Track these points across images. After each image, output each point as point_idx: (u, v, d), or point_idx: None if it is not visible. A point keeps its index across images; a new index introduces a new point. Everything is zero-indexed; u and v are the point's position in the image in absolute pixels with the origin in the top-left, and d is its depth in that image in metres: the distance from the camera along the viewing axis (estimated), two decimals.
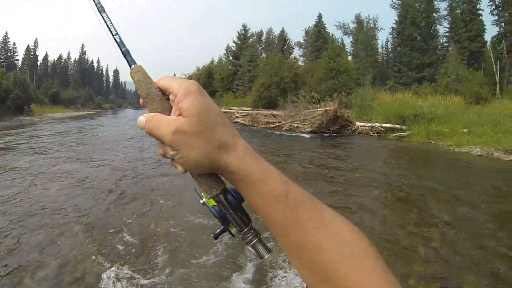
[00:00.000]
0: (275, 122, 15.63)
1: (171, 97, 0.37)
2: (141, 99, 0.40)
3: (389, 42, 32.94)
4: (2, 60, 50.06)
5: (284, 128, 14.53)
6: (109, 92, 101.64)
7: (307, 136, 12.69)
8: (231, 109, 22.21)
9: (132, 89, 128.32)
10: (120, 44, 0.44)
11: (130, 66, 0.44)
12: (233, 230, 0.39)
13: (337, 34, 39.37)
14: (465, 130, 10.82)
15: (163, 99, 0.39)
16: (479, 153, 8.86)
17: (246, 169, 0.34)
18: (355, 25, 34.69)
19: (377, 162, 8.33)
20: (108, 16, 0.45)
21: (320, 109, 13.41)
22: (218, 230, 0.39)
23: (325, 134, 12.69)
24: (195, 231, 4.02)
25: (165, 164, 7.64)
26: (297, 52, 35.08)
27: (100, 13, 0.45)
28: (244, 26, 33.26)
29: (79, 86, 70.57)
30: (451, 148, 9.87)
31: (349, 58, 30.46)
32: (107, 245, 3.68)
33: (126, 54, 0.44)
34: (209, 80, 30.97)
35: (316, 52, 32.02)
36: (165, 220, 4.42)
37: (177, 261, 3.29)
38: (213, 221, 3.99)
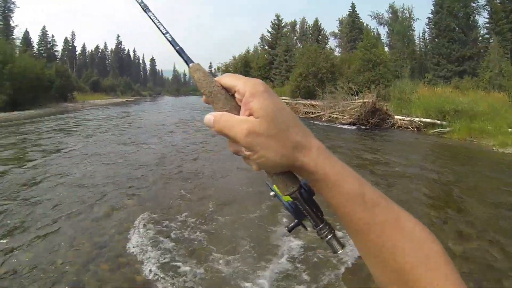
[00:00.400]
0: (314, 112, 16.25)
1: (237, 95, 0.38)
2: (203, 97, 0.42)
3: (426, 33, 31.79)
4: (42, 52, 52.72)
5: (323, 119, 15.14)
6: (147, 80, 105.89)
7: (348, 127, 13.25)
8: None
9: (169, 77, 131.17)
10: (173, 43, 0.47)
11: (187, 64, 0.47)
12: (307, 224, 0.41)
13: (372, 24, 37.87)
14: (509, 129, 10.52)
15: (228, 98, 0.39)
16: None
17: (323, 169, 0.35)
18: (390, 15, 33.62)
19: (417, 157, 8.52)
20: (154, 15, 0.48)
21: (359, 101, 13.85)
22: (292, 224, 0.41)
23: (362, 127, 13.11)
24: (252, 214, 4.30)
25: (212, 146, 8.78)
26: (332, 43, 35.05)
27: (146, 13, 0.48)
28: (278, 16, 33.65)
29: (117, 75, 74.59)
30: (494, 148, 9.58)
31: (386, 49, 30.19)
32: (159, 220, 4.12)
33: (180, 52, 0.47)
34: (246, 69, 31.76)
35: (351, 43, 32.06)
36: (219, 194, 5.03)
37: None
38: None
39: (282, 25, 32.52)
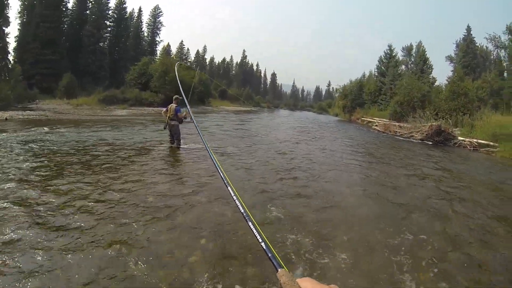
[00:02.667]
0: (400, 132, 22.18)
1: None
2: None
3: None
4: (178, 62, 66.38)
5: (403, 136, 21.04)
6: (266, 92, 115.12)
7: (417, 141, 18.93)
8: (373, 119, 29.45)
9: (287, 91, 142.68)
10: (267, 250, 0.55)
11: (276, 269, 0.55)
12: None
13: (489, 47, 37.20)
14: None
15: None
16: None
17: None
18: (509, 36, 32.76)
19: (461, 167, 11.08)
20: (252, 225, 0.67)
21: (428, 124, 19.31)
22: None
23: (428, 142, 18.38)
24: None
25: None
26: (448, 67, 36.82)
27: (246, 221, 0.66)
28: (390, 46, 38.26)
29: (240, 86, 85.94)
30: None
31: (505, 75, 31.29)
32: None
33: (272, 259, 0.55)
34: (360, 92, 38.11)
35: (465, 69, 33.45)
36: None
37: None
38: None
39: (393, 54, 37.21)
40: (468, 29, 37.43)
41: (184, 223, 4.31)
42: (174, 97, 10.20)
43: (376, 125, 27.13)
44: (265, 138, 15.40)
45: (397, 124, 23.43)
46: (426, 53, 33.62)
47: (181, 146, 10.14)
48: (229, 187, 1.26)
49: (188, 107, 3.39)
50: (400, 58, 36.44)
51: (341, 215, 5.11)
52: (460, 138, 18.42)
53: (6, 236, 3.59)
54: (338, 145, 14.91)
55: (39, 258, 3.21)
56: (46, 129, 13.66)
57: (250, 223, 0.86)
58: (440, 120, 20.17)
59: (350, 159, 10.82)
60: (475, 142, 17.63)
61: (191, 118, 2.50)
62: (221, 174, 1.43)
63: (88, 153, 8.50)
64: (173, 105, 9.89)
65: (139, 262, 3.26)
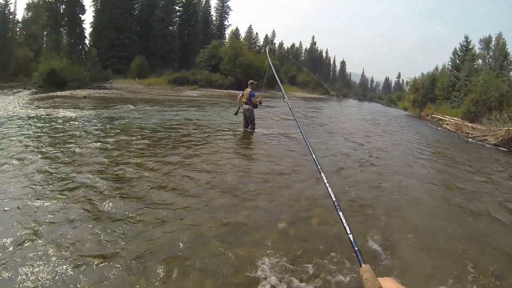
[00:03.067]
0: (473, 134, 21.71)
1: None
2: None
3: None
4: (247, 46, 62.88)
5: (476, 138, 20.64)
6: (335, 81, 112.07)
7: (491, 146, 18.58)
8: (444, 117, 28.68)
9: (357, 80, 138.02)
10: (354, 243, 0.55)
11: (360, 264, 0.56)
12: None
13: None
14: None
15: None
16: None
17: None
18: None
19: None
20: (343, 216, 0.61)
21: (505, 128, 18.73)
22: None
23: (504, 148, 17.39)
24: None
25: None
26: None
27: (337, 211, 0.64)
28: (466, 38, 35.41)
29: (309, 72, 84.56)
30: None
31: None
32: None
33: (357, 253, 0.55)
34: (432, 87, 36.51)
35: None
36: None
37: None
38: None
39: (470, 47, 34.66)
40: None
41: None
42: (249, 82, 10.69)
43: (447, 124, 26.48)
44: (338, 127, 16.41)
45: (470, 124, 22.82)
46: (507, 47, 30.90)
47: (255, 130, 10.66)
48: (322, 173, 1.26)
49: (283, 90, 3.37)
50: (477, 51, 33.87)
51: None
52: None
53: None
54: (407, 141, 15.40)
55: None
56: (131, 107, 15.99)
57: (340, 213, 0.83)
58: None
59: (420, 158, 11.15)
60: None
61: (287, 103, 2.77)
62: (315, 160, 1.46)
63: (178, 131, 10.46)
64: (247, 90, 10.30)
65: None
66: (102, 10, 47.65)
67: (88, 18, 78.81)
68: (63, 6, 38.94)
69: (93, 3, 48.85)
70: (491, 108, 23.24)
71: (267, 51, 5.12)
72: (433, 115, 32.21)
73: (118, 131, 9.99)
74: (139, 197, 4.75)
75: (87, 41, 43.83)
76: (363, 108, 43.94)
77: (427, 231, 4.63)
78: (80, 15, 40.59)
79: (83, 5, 40.89)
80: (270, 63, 4.27)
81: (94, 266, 3.04)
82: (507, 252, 4.25)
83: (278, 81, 3.85)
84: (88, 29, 45.93)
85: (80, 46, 40.61)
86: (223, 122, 13.77)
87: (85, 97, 22.92)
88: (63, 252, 3.20)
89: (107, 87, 33.09)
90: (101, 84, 36.00)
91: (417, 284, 3.29)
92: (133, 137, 9.10)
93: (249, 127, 10.70)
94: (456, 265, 3.75)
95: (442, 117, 29.16)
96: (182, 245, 3.52)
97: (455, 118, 26.13)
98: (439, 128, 26.16)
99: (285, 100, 2.88)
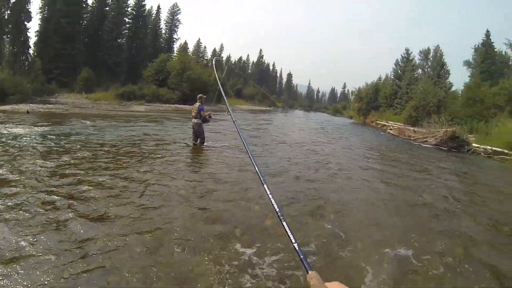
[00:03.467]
0: (415, 136, 22.37)
1: None
2: None
3: None
4: (195, 59, 61.50)
5: (417, 140, 21.24)
6: (282, 93, 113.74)
7: (431, 147, 19.08)
8: (388, 122, 29.64)
9: (303, 92, 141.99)
10: (299, 251, 0.58)
11: (307, 271, 0.58)
12: None
13: (508, 52, 36.51)
14: None
15: None
16: None
17: None
18: None
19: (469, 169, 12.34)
20: (287, 225, 0.65)
21: (443, 129, 19.45)
22: None
23: (442, 148, 18.25)
24: None
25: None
26: (465, 72, 36.38)
27: (281, 221, 0.68)
28: (407, 50, 38.02)
29: (255, 84, 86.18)
30: None
31: None
32: None
33: (303, 261, 0.58)
34: (375, 95, 38.17)
35: (482, 74, 32.78)
36: None
37: None
38: None
39: (410, 58, 37.05)
40: (487, 34, 36.55)
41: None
42: (198, 96, 10.38)
43: (391, 129, 27.32)
44: (286, 138, 16.05)
45: (411, 128, 23.62)
46: (443, 57, 33.49)
47: (204, 144, 10.35)
48: (265, 185, 1.27)
49: (227, 103, 3.53)
50: (417, 62, 36.30)
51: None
52: (474, 144, 18.53)
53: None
54: (355, 146, 15.45)
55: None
56: (88, 122, 14.99)
57: (284, 223, 0.86)
58: (455, 126, 20.27)
59: (367, 160, 11.44)
60: (490, 149, 17.72)
61: (231, 116, 2.73)
62: (258, 173, 1.46)
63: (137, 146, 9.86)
64: (196, 104, 10.03)
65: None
66: (48, 18, 43.20)
67: (33, 27, 71.31)
68: (8, 12, 34.43)
69: (40, 11, 44.08)
70: (430, 113, 24.34)
71: (213, 63, 5.34)
72: (377, 122, 33.46)
73: (79, 147, 8.94)
74: None
75: (31, 51, 39.28)
76: (310, 118, 44.63)
77: (374, 224, 5.02)
78: (26, 23, 36.14)
79: (30, 12, 36.22)
80: (217, 76, 4.61)
81: None
82: (448, 235, 4.80)
83: (223, 93, 3.87)
84: (33, 38, 41.23)
85: (24, 56, 36.10)
86: (176, 137, 12.73)
87: (28, 112, 19.86)
88: None
89: (52, 102, 29.63)
90: (45, 98, 32.04)
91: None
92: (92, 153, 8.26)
93: (198, 141, 10.43)
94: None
95: (385, 123, 30.24)
96: None
97: (398, 123, 27.06)
98: (382, 133, 26.83)
99: (229, 113, 2.95)
